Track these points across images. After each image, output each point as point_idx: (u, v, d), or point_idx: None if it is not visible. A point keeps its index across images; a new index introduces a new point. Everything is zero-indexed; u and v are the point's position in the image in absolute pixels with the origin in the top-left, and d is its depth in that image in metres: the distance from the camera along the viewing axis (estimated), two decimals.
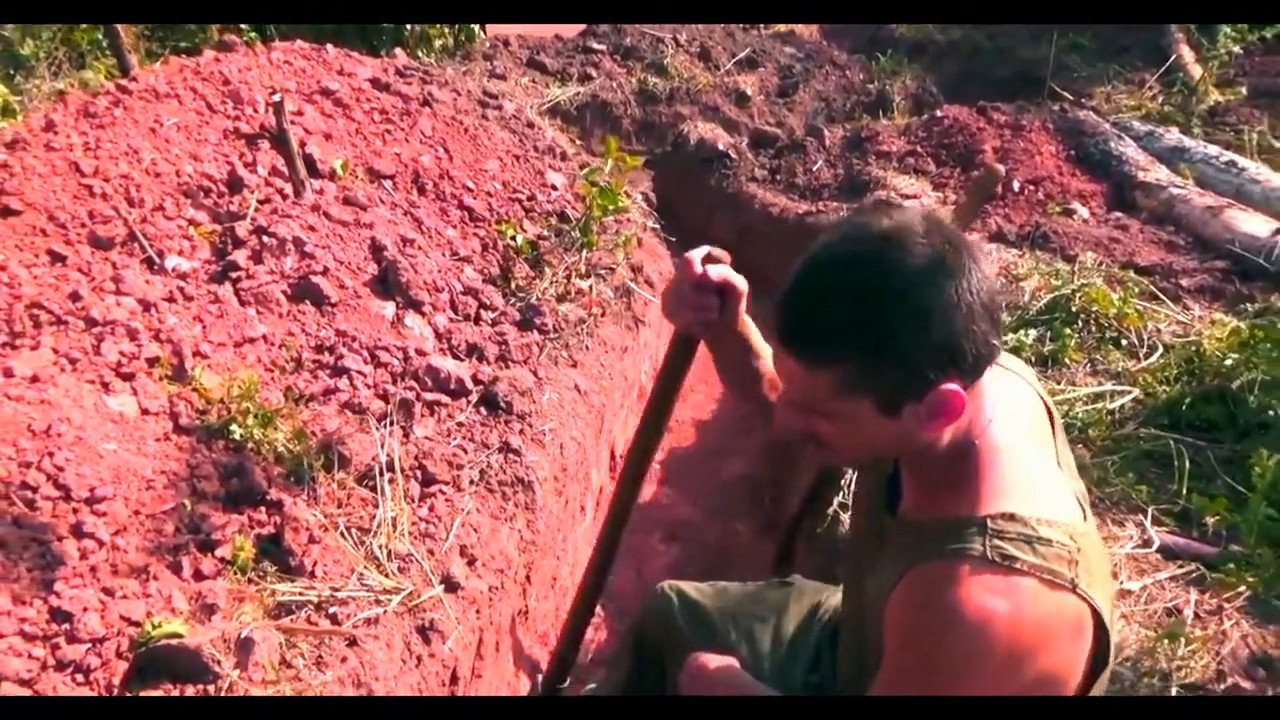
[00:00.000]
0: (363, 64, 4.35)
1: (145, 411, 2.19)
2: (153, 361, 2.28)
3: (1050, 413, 1.29)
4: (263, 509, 2.06)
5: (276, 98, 2.86)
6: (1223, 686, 1.83)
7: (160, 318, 2.42)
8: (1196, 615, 2.02)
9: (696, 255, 1.35)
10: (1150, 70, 6.26)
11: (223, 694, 1.63)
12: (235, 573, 1.90)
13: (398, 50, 5.61)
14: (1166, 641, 1.90)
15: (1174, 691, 1.82)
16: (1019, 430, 1.20)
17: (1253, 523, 1.88)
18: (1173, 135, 4.83)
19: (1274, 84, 6.05)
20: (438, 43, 6.35)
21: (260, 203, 2.98)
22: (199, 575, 1.86)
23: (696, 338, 1.43)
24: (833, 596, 1.79)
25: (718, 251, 1.35)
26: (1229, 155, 4.44)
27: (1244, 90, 5.59)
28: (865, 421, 1.11)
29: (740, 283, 1.37)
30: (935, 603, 1.06)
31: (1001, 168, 2.16)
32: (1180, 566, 2.14)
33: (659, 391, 1.52)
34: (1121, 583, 2.09)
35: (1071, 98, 5.78)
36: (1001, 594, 1.03)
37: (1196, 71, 5.70)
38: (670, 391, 1.51)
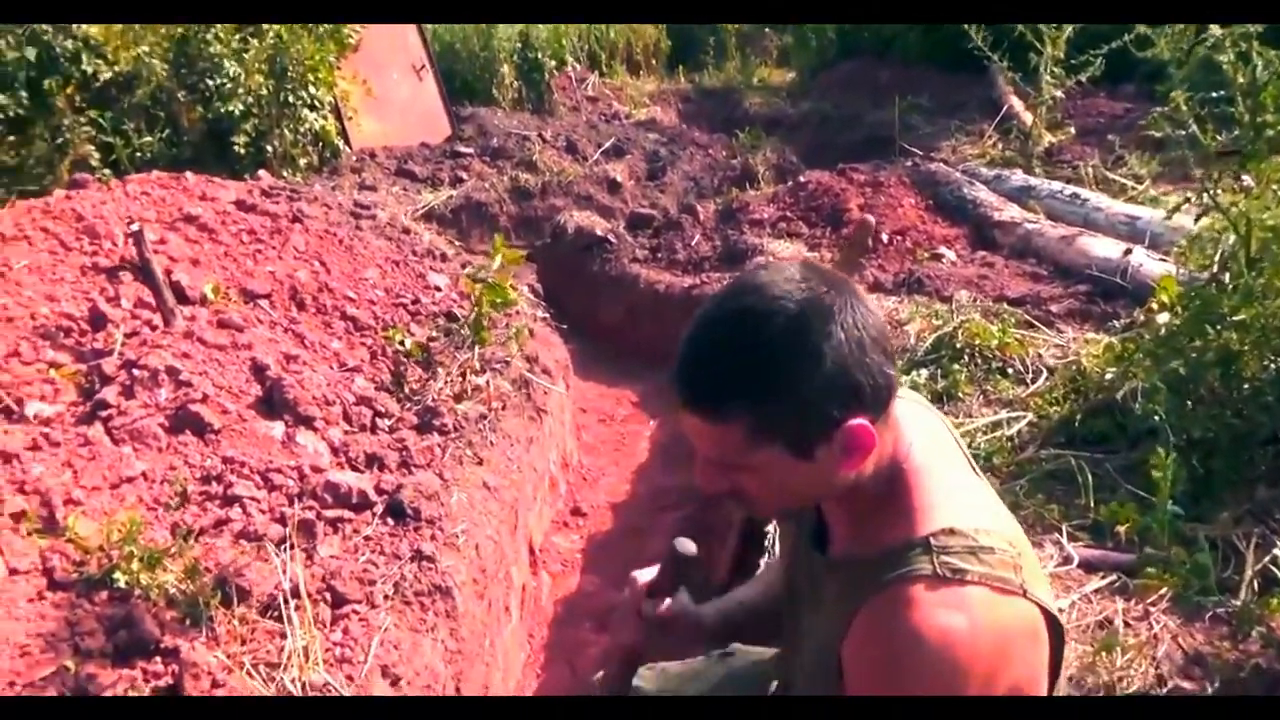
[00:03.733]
0: (225, 187, 4.25)
1: (14, 571, 2.00)
2: (18, 516, 2.09)
3: (953, 435, 1.31)
4: (157, 659, 1.88)
5: (135, 227, 2.75)
6: (1165, 690, 1.85)
7: (24, 468, 2.23)
8: (1126, 623, 2.04)
9: (640, 584, 1.37)
10: (986, 121, 6.72)
11: None
12: None
13: (261, 172, 5.51)
14: (1104, 653, 1.92)
15: None
16: (938, 449, 1.22)
17: (1162, 522, 1.94)
18: (1018, 176, 5.16)
19: (1096, 123, 6.58)
20: (303, 161, 6.28)
21: (127, 336, 2.83)
22: None
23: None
24: (775, 656, 1.74)
25: (685, 546, 1.30)
26: (1072, 188, 4.76)
27: (1072, 130, 6.03)
28: (783, 469, 1.10)
29: (690, 610, 1.39)
30: (894, 632, 1.04)
31: (871, 218, 2.23)
32: (1103, 578, 2.18)
33: None
34: None
35: (920, 153, 6.13)
36: (957, 608, 1.03)
37: (1028, 118, 6.13)
38: None
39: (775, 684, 1.67)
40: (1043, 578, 1.14)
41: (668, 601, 1.36)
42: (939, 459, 1.20)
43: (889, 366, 1.08)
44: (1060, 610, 2.01)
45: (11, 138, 5.68)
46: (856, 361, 1.05)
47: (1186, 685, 1.84)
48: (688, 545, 1.30)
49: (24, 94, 5.56)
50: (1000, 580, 1.05)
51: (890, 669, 1.05)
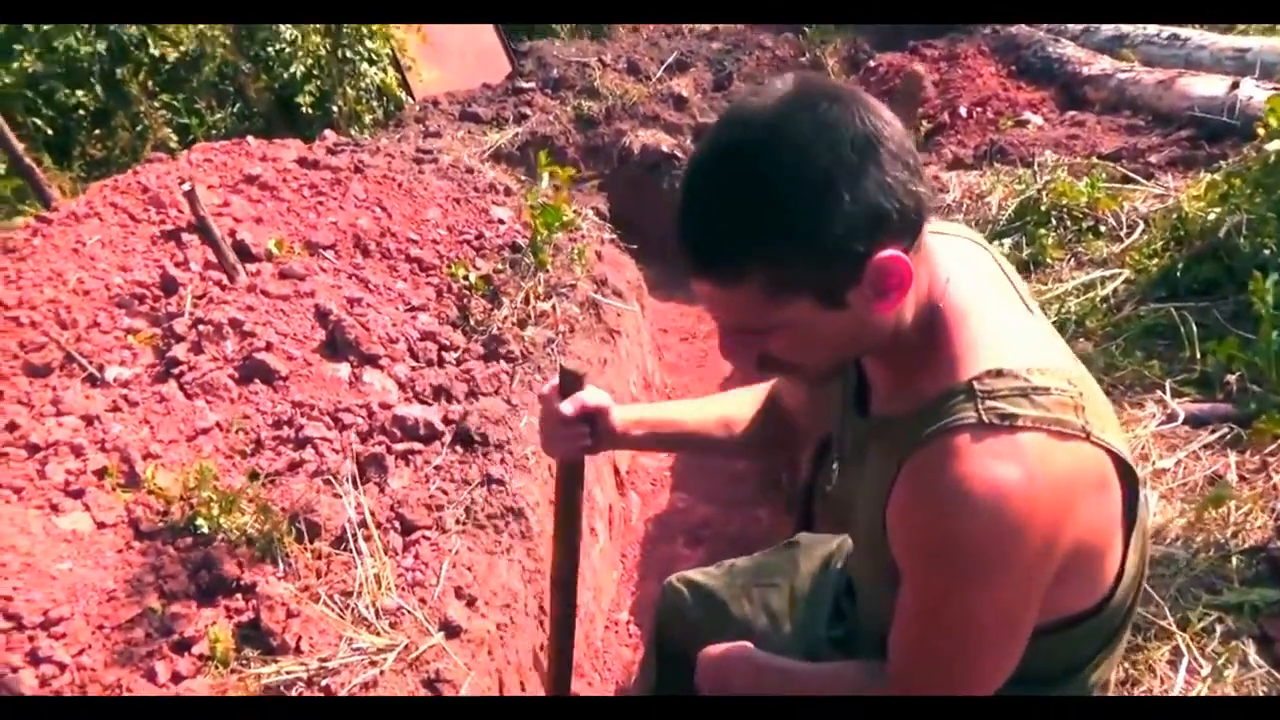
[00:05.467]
0: (286, 147, 4.28)
1: (101, 525, 2.08)
2: (101, 473, 2.17)
3: (1004, 269, 1.16)
4: (238, 595, 1.93)
5: (186, 187, 2.78)
6: None
7: (105, 428, 2.32)
8: (1241, 477, 1.86)
9: (551, 394, 1.35)
10: None
11: None
12: (216, 666, 1.77)
13: (327, 131, 5.56)
14: (1214, 510, 1.75)
15: (1234, 561, 1.67)
16: (983, 284, 1.07)
17: (1268, 354, 1.73)
18: (1109, 25, 4.72)
19: None
20: (368, 118, 6.32)
21: (197, 297, 2.89)
22: (177, 677, 1.74)
23: (581, 461, 1.42)
24: (844, 543, 1.65)
25: (571, 367, 1.34)
26: (1170, 30, 4.33)
27: None
28: (812, 324, 0.97)
29: (601, 400, 1.35)
30: (938, 489, 0.92)
31: (920, 68, 2.05)
32: (1212, 431, 1.99)
33: (562, 519, 1.48)
34: (1154, 462, 1.94)
35: None
36: (1009, 458, 0.90)
37: None
38: (573, 517, 1.47)
39: (840, 564, 1.60)
40: (1111, 419, 1.00)
41: (574, 401, 1.33)
42: (984, 295, 1.05)
43: (916, 183, 0.93)
44: (1155, 464, 1.85)
45: (97, 131, 5.91)
46: (877, 183, 0.90)
47: None
48: (572, 364, 1.37)
49: (100, 88, 5.77)
50: (1057, 423, 0.91)
51: (937, 531, 0.94)
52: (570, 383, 1.33)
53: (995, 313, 1.04)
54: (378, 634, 1.86)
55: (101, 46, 5.58)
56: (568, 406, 1.31)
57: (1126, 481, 0.99)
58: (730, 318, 1.02)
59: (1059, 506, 0.91)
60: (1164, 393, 2.12)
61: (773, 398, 1.47)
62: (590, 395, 1.34)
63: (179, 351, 2.59)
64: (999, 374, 0.95)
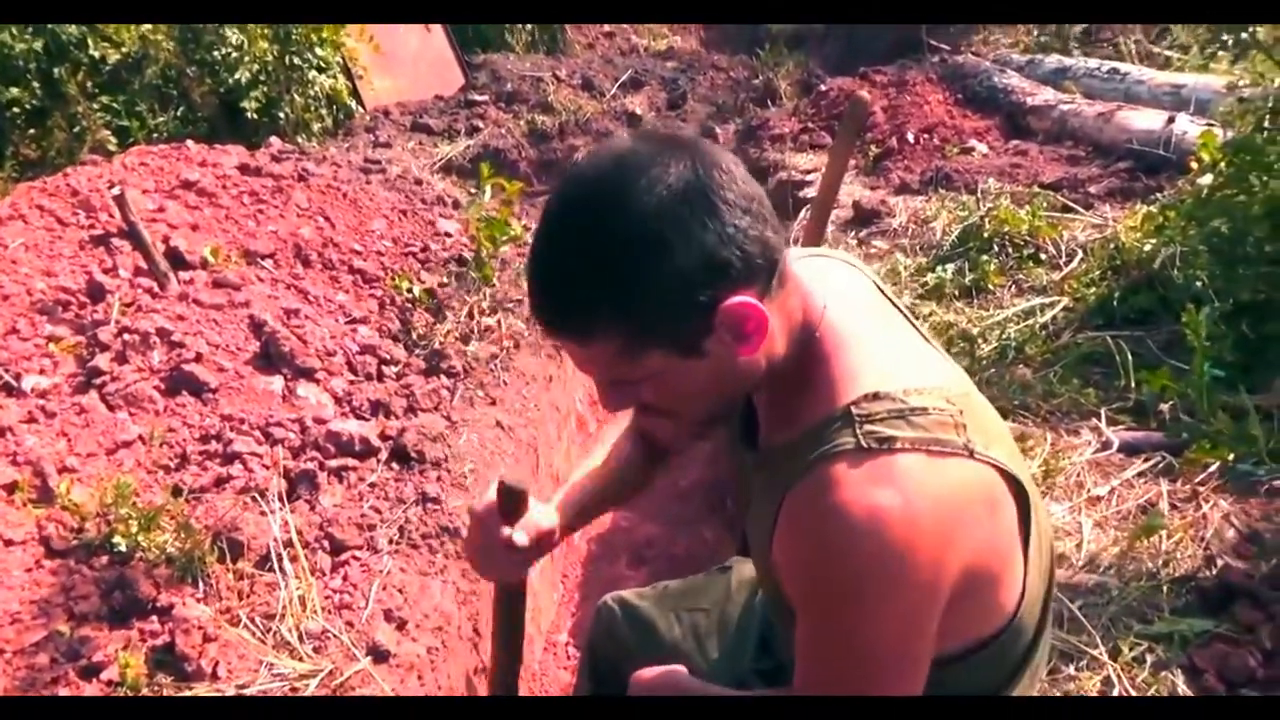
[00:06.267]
0: (227, 153, 4.18)
1: (9, 543, 1.98)
2: (10, 488, 2.07)
3: (883, 290, 1.15)
4: (154, 618, 1.85)
5: (115, 191, 2.69)
6: (1214, 571, 1.68)
7: (18, 440, 2.21)
8: (1173, 505, 1.88)
9: (490, 515, 1.17)
10: None
11: None
12: (126, 693, 1.68)
13: (272, 138, 5.45)
14: (1146, 539, 1.76)
15: (1164, 590, 1.68)
16: (862, 308, 1.07)
17: (1200, 385, 1.75)
18: (1053, 59, 4.85)
19: None
20: (316, 126, 6.21)
21: (126, 305, 2.79)
22: None
23: (525, 580, 1.27)
24: None
25: (513, 483, 1.15)
26: (1110, 64, 4.44)
27: None
28: (676, 372, 0.96)
29: (549, 521, 1.23)
30: (818, 518, 0.90)
31: (866, 94, 2.06)
32: (1145, 460, 2.01)
33: (506, 642, 1.31)
34: (1089, 490, 1.95)
35: (948, 48, 5.79)
36: (886, 482, 0.88)
37: None
38: (517, 638, 1.32)
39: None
40: (999, 435, 0.99)
41: (528, 527, 1.18)
42: (862, 318, 1.05)
43: (760, 228, 0.92)
44: (1090, 491, 1.86)
45: (31, 131, 5.72)
46: (715, 234, 0.89)
47: (1239, 564, 1.67)
48: (516, 480, 1.16)
49: (37, 86, 5.58)
50: (936, 443, 0.90)
51: (820, 562, 0.92)
52: (513, 502, 1.14)
53: (874, 336, 1.03)
54: (300, 659, 1.79)
55: (38, 45, 5.40)
56: (521, 536, 1.16)
57: (1020, 497, 0.98)
58: (596, 372, 1.01)
59: (943, 527, 0.89)
60: (1099, 420, 2.14)
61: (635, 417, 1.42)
62: (540, 516, 1.21)
63: (102, 361, 2.49)
64: (876, 397, 0.94)
